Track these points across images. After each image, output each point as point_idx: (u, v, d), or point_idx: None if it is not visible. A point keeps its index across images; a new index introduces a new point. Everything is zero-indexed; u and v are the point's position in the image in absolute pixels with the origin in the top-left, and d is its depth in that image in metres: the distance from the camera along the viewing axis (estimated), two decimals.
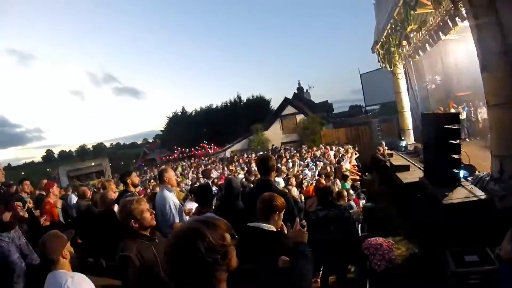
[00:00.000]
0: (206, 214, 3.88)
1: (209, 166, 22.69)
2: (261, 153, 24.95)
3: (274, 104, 48.92)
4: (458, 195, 5.45)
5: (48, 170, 54.73)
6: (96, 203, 5.97)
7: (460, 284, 4.27)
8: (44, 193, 6.78)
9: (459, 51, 11.64)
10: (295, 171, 12.48)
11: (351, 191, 8.36)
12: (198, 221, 1.50)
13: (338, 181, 9.07)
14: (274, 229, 2.90)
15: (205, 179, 14.53)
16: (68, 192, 9.84)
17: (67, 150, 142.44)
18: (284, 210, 3.00)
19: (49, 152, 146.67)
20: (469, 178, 6.45)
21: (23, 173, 53.52)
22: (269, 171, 4.13)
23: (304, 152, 19.47)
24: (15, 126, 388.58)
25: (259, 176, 4.68)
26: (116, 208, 4.95)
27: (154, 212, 3.14)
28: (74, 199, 7.97)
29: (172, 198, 4.78)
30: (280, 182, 8.54)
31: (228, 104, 54.50)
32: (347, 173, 9.83)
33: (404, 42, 10.73)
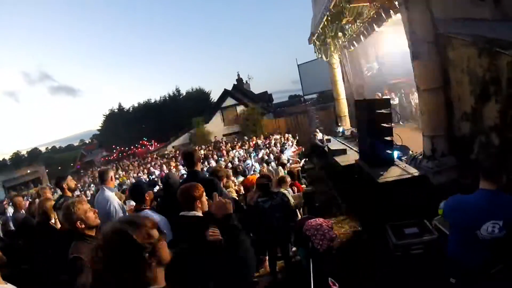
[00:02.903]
0: (143, 211, 3.85)
1: (149, 165, 22.25)
2: (203, 146, 24.89)
3: (214, 96, 48.66)
4: (393, 174, 5.78)
5: None
6: (33, 213, 5.71)
7: (403, 255, 4.56)
8: None
9: (392, 42, 12.21)
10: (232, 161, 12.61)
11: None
12: (121, 222, 1.53)
13: (281, 168, 9.25)
14: (199, 214, 3.01)
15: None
16: (5, 205, 9.29)
17: (1, 159, 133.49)
18: (203, 195, 3.10)
19: None
20: (403, 158, 6.85)
21: None
22: (195, 163, 4.33)
23: (245, 142, 19.68)
24: None
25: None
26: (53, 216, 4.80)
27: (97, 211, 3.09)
28: (11, 212, 7.54)
29: (114, 198, 4.70)
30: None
31: (167, 98, 53.34)
32: (285, 161, 10.03)
33: (340, 34, 11.06)
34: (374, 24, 9.02)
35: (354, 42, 11.49)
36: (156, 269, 1.46)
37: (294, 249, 5.62)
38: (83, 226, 2.85)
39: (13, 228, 6.75)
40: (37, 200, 6.64)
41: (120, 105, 55.28)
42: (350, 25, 10.66)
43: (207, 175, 5.25)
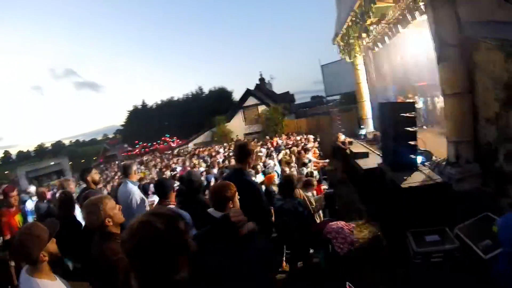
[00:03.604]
0: (167, 206, 3.88)
1: (171, 162, 22.44)
2: (225, 144, 24.98)
3: (236, 96, 48.85)
4: (416, 179, 5.71)
5: (6, 172, 52.53)
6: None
7: (423, 263, 4.50)
8: (2, 198, 6.23)
9: (418, 43, 12.01)
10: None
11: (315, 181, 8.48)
12: (148, 214, 1.56)
13: (304, 169, 9.19)
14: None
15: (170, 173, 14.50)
16: (25, 196, 9.39)
17: (25, 151, 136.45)
18: (235, 195, 3.04)
19: (7, 154, 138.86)
20: (427, 163, 6.74)
21: None
22: (246, 158, 4.14)
23: (267, 141, 19.67)
24: None
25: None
26: (77, 208, 4.86)
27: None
28: (31, 204, 7.62)
29: (136, 191, 4.78)
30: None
31: (190, 96, 53.89)
32: (306, 160, 9.97)
33: (364, 35, 10.96)
34: (398, 25, 8.91)
35: (378, 43, 11.35)
36: (181, 258, 1.48)
37: (311, 251, 5.58)
38: (111, 223, 2.77)
39: (35, 217, 6.87)
40: (60, 191, 6.74)
41: (143, 102, 56.35)
42: (374, 26, 10.55)
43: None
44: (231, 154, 17.28)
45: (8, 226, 5.60)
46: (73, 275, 2.79)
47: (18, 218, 5.93)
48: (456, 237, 4.50)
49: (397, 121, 6.03)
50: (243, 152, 4.16)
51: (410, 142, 6.03)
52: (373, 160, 8.42)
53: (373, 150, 10.04)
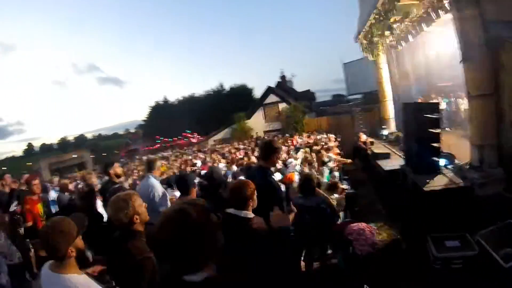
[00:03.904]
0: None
1: (190, 157, 22.59)
2: (246, 141, 25.00)
3: (257, 93, 48.83)
4: (438, 183, 5.61)
5: (29, 164, 53.69)
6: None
7: (442, 268, 4.42)
8: (25, 188, 6.34)
9: (441, 43, 11.76)
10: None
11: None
12: (182, 203, 1.58)
13: (325, 169, 9.12)
14: (251, 215, 2.95)
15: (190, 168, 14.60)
16: (48, 187, 9.57)
17: (48, 143, 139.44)
18: (254, 193, 3.01)
19: (30, 146, 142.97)
20: (449, 167, 6.62)
21: (3, 168, 52.28)
22: (270, 156, 4.11)
23: (288, 140, 19.58)
24: None
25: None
26: (98, 201, 4.94)
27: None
28: (54, 194, 7.77)
29: (158, 186, 4.83)
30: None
31: (211, 93, 54.18)
32: (326, 159, 9.88)
33: (387, 33, 10.80)
34: (422, 24, 8.75)
35: (401, 41, 11.16)
36: (211, 249, 1.52)
37: (329, 251, 5.53)
38: (138, 221, 2.72)
39: (56, 209, 6.97)
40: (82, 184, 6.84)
41: (165, 98, 57.21)
42: (398, 24, 10.37)
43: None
44: (251, 151, 17.28)
45: (31, 213, 5.65)
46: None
47: (39, 206, 5.96)
48: (477, 244, 4.41)
49: (421, 122, 5.93)
50: (268, 149, 4.12)
51: (433, 144, 5.93)
52: (395, 162, 8.32)
53: (395, 151, 9.90)
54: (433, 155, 6.02)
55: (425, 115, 5.88)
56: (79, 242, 2.36)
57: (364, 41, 13.07)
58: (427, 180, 5.71)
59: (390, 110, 14.15)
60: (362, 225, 4.98)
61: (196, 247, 1.45)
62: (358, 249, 4.67)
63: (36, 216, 5.73)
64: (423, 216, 5.38)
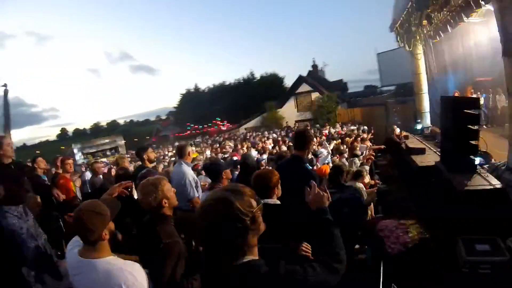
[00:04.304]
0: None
1: (222, 144, 22.78)
2: (277, 130, 24.97)
3: (288, 82, 48.64)
4: (474, 183, 5.36)
5: (62, 148, 55.27)
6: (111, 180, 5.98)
7: (471, 272, 4.25)
8: (59, 171, 6.62)
9: (481, 35, 11.29)
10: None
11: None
12: (225, 190, 1.58)
13: (356, 160, 8.99)
14: (277, 202, 2.98)
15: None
16: (82, 168, 9.81)
17: (82, 128, 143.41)
18: (279, 182, 3.03)
19: (63, 130, 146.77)
20: (485, 166, 6.36)
21: (38, 151, 53.95)
22: (305, 145, 4.04)
23: (319, 130, 19.46)
24: (31, 106, 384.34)
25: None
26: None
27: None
28: (88, 176, 7.97)
29: (190, 173, 4.88)
30: None
31: (241, 81, 54.34)
32: (358, 152, 9.72)
33: (425, 22, 10.42)
34: (462, 14, 8.31)
35: (440, 32, 10.74)
36: (253, 238, 1.54)
37: (357, 246, 5.42)
38: (167, 205, 2.78)
39: (89, 191, 7.18)
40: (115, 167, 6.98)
41: (196, 86, 57.97)
42: (436, 13, 9.98)
43: None
44: (281, 140, 17.23)
45: (65, 188, 5.92)
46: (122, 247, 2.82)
47: (72, 184, 6.35)
48: (507, 250, 4.20)
49: (459, 117, 5.67)
50: (303, 138, 4.05)
51: (471, 142, 5.68)
52: (429, 158, 8.05)
53: (429, 146, 9.60)
54: (470, 153, 5.77)
55: (464, 110, 5.63)
56: (111, 225, 2.38)
57: (400, 31, 12.70)
58: (462, 179, 5.47)
59: (425, 103, 13.74)
60: (394, 222, 4.87)
61: (239, 234, 1.46)
62: (389, 246, 4.57)
63: (70, 191, 6.04)
64: (455, 216, 5.18)
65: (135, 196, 4.77)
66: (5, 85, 8.58)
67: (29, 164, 6.72)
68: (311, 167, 7.47)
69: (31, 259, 4.42)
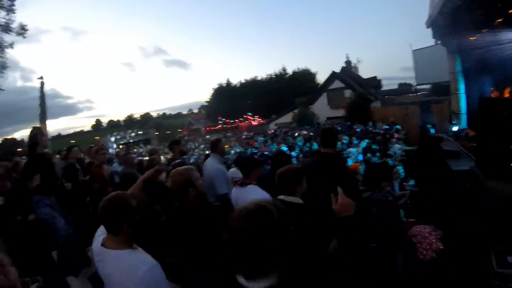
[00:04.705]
0: (249, 186, 4.01)
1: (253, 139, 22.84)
2: (307, 127, 24.79)
3: (320, 78, 48.25)
4: (510, 190, 5.13)
5: (96, 138, 56.71)
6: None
7: (501, 285, 4.06)
8: (93, 161, 6.80)
9: None
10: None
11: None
12: (266, 201, 1.63)
13: (389, 160, 8.81)
14: (299, 201, 2.96)
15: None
16: (113, 159, 9.96)
17: (115, 120, 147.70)
18: (303, 179, 3.04)
19: (98, 122, 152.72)
20: None
21: (72, 141, 55.51)
22: (331, 142, 4.09)
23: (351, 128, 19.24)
24: (67, 97, 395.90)
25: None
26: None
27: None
28: (116, 167, 8.05)
29: (223, 168, 4.90)
30: None
31: (273, 76, 54.22)
32: (390, 152, 9.53)
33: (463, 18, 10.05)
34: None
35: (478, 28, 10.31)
36: (287, 245, 1.49)
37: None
38: (194, 193, 2.93)
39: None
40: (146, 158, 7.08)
41: (228, 80, 58.15)
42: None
43: None
44: (313, 137, 17.11)
45: (98, 176, 6.15)
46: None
47: (105, 172, 6.57)
48: None
49: (500, 120, 5.41)
50: (330, 135, 4.09)
51: (511, 147, 5.42)
52: (464, 162, 7.76)
53: (465, 150, 9.27)
54: (510, 159, 5.51)
55: (505, 113, 5.36)
56: (136, 217, 2.37)
57: (437, 27, 12.29)
58: (499, 186, 5.23)
59: (462, 104, 13.26)
60: (428, 228, 4.71)
61: (269, 250, 1.42)
62: (421, 253, 4.42)
63: (104, 179, 6.26)
64: (489, 225, 4.96)
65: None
66: (41, 78, 8.86)
67: (65, 151, 7.02)
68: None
69: (62, 246, 4.61)
